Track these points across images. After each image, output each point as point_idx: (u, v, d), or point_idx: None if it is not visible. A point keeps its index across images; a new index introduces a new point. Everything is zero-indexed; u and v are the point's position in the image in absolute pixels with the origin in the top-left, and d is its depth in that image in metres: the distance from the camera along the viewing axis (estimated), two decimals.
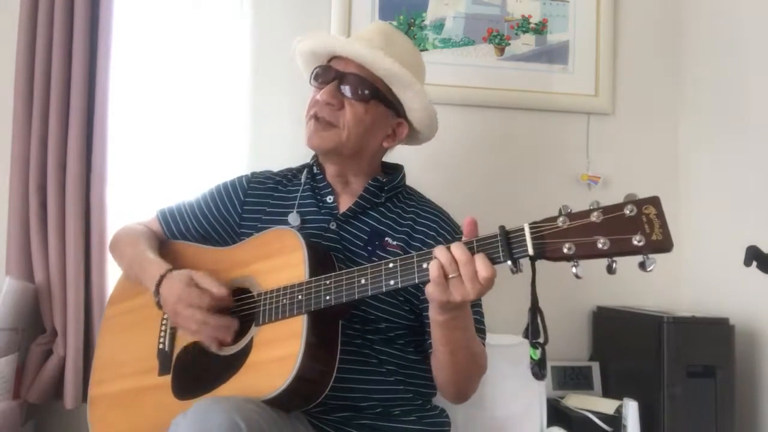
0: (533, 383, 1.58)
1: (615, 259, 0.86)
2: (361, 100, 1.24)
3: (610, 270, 0.86)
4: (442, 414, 1.29)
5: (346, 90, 1.24)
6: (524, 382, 1.58)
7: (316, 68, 1.30)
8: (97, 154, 1.59)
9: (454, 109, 1.85)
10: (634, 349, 1.65)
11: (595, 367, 1.77)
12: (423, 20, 1.85)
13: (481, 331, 1.24)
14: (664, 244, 0.84)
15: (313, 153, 1.36)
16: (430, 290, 0.97)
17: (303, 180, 1.34)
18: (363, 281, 1.04)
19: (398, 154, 1.59)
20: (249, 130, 1.78)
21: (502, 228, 0.93)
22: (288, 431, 1.03)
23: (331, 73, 1.26)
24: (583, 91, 1.90)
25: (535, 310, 0.93)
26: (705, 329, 1.56)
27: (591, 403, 1.61)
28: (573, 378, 1.75)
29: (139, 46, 1.77)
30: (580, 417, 1.57)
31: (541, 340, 0.92)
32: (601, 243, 0.84)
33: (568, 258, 0.87)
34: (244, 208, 1.35)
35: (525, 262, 0.93)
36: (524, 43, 1.89)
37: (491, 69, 1.86)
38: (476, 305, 1.26)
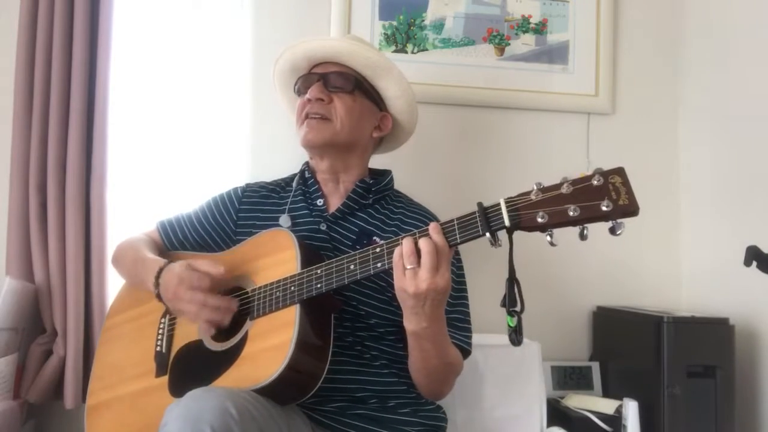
0: (533, 383, 1.59)
1: (586, 225, 0.91)
2: (347, 92, 1.33)
3: (582, 236, 0.92)
4: (438, 410, 1.30)
5: (332, 85, 1.33)
6: (524, 382, 1.58)
7: (298, 79, 1.39)
8: (97, 154, 1.59)
9: (454, 109, 1.85)
10: (634, 349, 1.65)
11: (595, 367, 1.77)
12: (423, 20, 1.85)
13: (464, 329, 1.28)
14: (631, 208, 0.89)
15: (303, 160, 1.44)
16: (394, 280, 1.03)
17: (294, 186, 1.40)
18: (352, 267, 1.08)
19: (398, 155, 1.60)
20: (249, 130, 1.78)
21: (479, 204, 0.99)
22: (281, 421, 1.03)
23: (313, 77, 1.36)
24: (583, 91, 1.90)
25: (512, 280, 0.98)
26: (705, 329, 1.56)
27: (591, 403, 1.61)
28: (573, 378, 1.75)
29: (139, 47, 1.77)
30: (580, 417, 1.57)
31: (517, 308, 0.97)
32: (572, 210, 0.90)
33: (542, 227, 0.93)
34: (239, 215, 1.39)
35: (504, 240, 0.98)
36: (524, 43, 1.89)
37: (491, 69, 1.87)
38: (460, 303, 1.30)
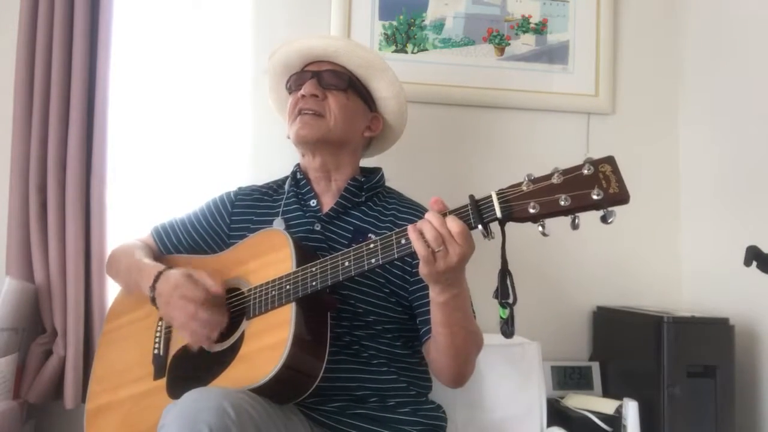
0: (533, 383, 1.58)
1: (578, 215, 0.92)
2: (340, 89, 1.34)
3: (574, 226, 0.92)
4: (438, 409, 1.30)
5: (326, 83, 1.33)
6: (524, 383, 1.58)
7: (291, 76, 1.39)
8: (97, 154, 1.59)
9: (454, 109, 1.85)
10: (634, 349, 1.65)
11: (595, 367, 1.77)
12: (423, 20, 1.85)
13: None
14: (621, 196, 0.89)
15: (295, 162, 1.44)
16: (420, 267, 1.02)
17: (287, 188, 1.40)
18: (346, 264, 1.08)
19: (398, 156, 1.60)
20: (249, 131, 1.78)
21: (471, 197, 0.99)
22: (279, 420, 1.04)
23: (306, 74, 1.36)
24: (583, 91, 1.90)
25: (504, 272, 0.98)
26: (705, 329, 1.56)
27: (591, 403, 1.61)
28: (573, 378, 1.75)
29: (139, 47, 1.77)
30: (580, 417, 1.57)
31: (510, 300, 0.97)
32: (563, 200, 0.90)
33: (534, 217, 0.93)
34: (233, 218, 1.40)
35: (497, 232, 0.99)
36: (524, 43, 1.89)
37: (491, 69, 1.87)
38: None
